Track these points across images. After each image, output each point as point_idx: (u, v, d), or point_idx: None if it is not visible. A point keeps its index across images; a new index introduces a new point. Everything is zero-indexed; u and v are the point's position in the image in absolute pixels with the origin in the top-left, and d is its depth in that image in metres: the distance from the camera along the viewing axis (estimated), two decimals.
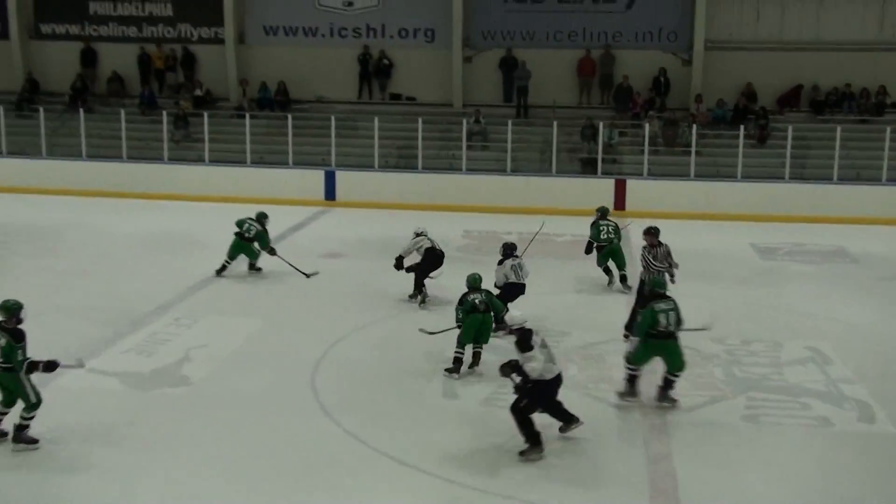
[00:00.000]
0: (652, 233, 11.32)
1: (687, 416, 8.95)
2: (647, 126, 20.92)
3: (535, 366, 7.92)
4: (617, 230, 13.76)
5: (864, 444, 8.42)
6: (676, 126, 21.75)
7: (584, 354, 10.68)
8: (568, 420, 8.33)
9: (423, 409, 9.07)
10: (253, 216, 14.06)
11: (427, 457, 7.95)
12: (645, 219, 16.90)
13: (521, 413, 8.00)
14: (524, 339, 8.03)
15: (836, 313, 12.57)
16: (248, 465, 7.73)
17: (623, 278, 13.58)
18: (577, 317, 12.17)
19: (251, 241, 13.92)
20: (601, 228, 13.74)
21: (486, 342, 10.10)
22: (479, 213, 19.37)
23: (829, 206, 19.40)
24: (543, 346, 8.12)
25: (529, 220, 18.16)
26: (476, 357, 10.06)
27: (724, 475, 7.75)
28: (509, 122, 21.09)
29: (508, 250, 11.80)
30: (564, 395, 9.27)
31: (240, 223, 13.91)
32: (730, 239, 17.51)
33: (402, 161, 21.61)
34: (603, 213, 14.07)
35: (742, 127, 20.62)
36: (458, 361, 9.96)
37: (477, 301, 10.02)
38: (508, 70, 23.54)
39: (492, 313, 10.00)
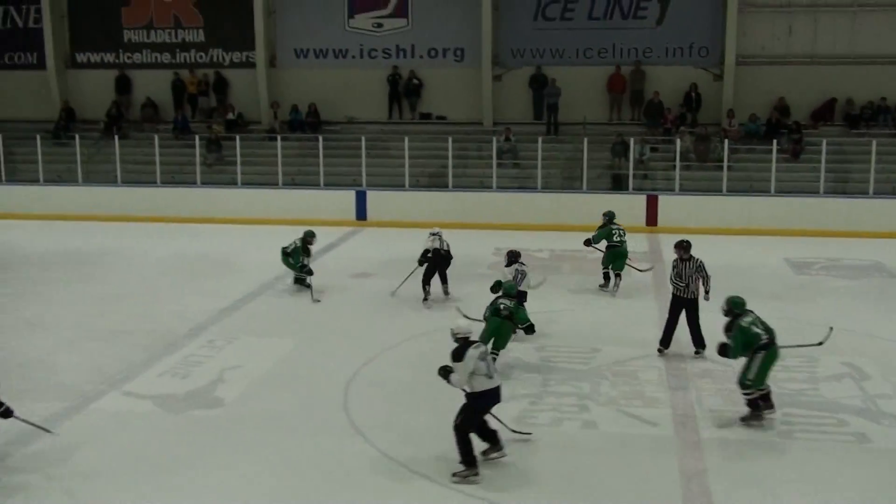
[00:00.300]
0: (682, 246, 11.32)
1: (721, 433, 8.86)
2: (678, 141, 20.84)
3: (455, 377, 7.92)
4: (624, 235, 14.52)
5: None
6: (708, 141, 21.64)
7: (616, 371, 10.61)
8: (492, 444, 8.17)
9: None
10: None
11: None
12: (677, 235, 16.85)
13: (458, 431, 7.94)
14: (459, 349, 7.95)
15: (873, 329, 12.39)
16: (283, 486, 7.76)
17: (617, 276, 14.42)
18: (608, 333, 12.10)
19: (289, 255, 14.44)
20: (613, 231, 14.40)
21: (501, 347, 10.43)
22: (510, 231, 19.36)
23: (864, 220, 19.21)
24: (482, 358, 7.95)
25: (560, 237, 18.26)
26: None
27: (759, 492, 7.65)
28: (539, 140, 21.10)
29: (513, 257, 12.35)
30: (598, 412, 9.28)
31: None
32: (764, 254, 17.35)
33: (432, 180, 21.67)
34: (611, 217, 14.69)
35: (775, 141, 20.46)
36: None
37: (501, 306, 10.46)
38: (538, 88, 23.59)
39: (513, 320, 10.50)
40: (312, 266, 14.53)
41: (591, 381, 10.25)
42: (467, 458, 7.89)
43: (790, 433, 8.86)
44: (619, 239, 14.34)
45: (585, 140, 20.82)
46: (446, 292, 13.93)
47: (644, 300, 13.72)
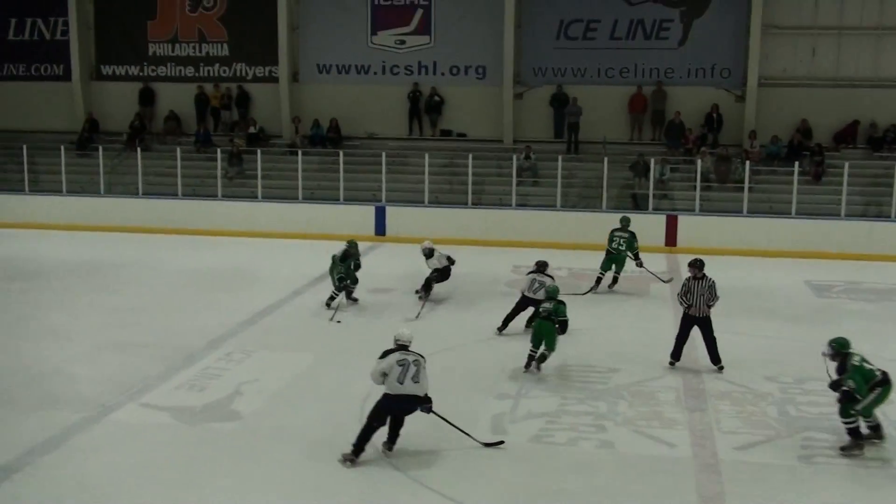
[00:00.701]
0: (695, 265, 11.41)
1: (739, 455, 8.79)
2: (699, 162, 20.78)
3: (371, 372, 8.59)
4: (630, 242, 15.51)
5: None
6: (729, 162, 21.56)
7: (633, 391, 10.55)
8: (389, 442, 8.72)
9: (473, 445, 9.00)
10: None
11: (478, 494, 7.92)
12: (696, 255, 16.78)
13: (367, 419, 8.60)
14: (388, 350, 8.66)
15: (895, 352, 12.26)
16: (298, 500, 7.74)
17: (614, 279, 15.73)
18: (627, 353, 12.03)
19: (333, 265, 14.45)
20: (615, 238, 15.59)
21: (548, 348, 11.10)
22: (529, 249, 19.24)
23: (886, 243, 19.05)
24: (401, 365, 8.46)
25: (580, 255, 18.21)
26: (540, 359, 11.12)
27: None
28: (560, 158, 21.10)
29: (537, 266, 13.11)
30: (615, 432, 9.24)
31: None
32: (784, 276, 17.24)
33: (452, 197, 21.68)
34: (621, 223, 15.87)
35: (797, 163, 20.35)
36: (529, 358, 11.15)
37: (541, 308, 11.45)
38: (559, 106, 23.61)
39: (553, 320, 11.20)
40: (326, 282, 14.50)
41: (608, 401, 10.20)
42: (357, 444, 8.47)
43: (810, 457, 8.78)
44: (615, 246, 15.48)
45: (605, 159, 20.80)
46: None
47: (663, 321, 13.63)
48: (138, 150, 22.87)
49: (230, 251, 19.25)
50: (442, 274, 14.88)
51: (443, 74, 24.37)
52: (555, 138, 23.75)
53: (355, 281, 14.36)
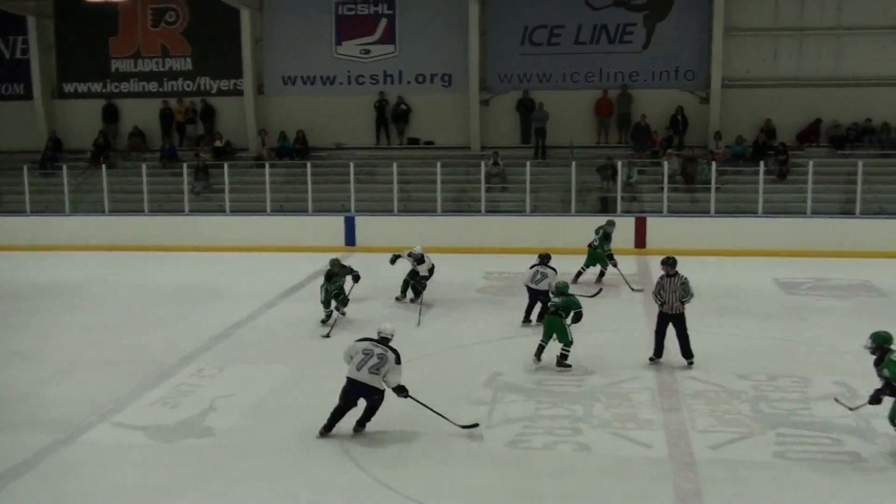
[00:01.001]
0: (668, 263, 11.57)
1: (715, 453, 8.84)
2: (665, 164, 20.95)
3: (343, 351, 9.37)
4: (605, 236, 16.67)
5: None
6: (695, 163, 21.75)
7: (608, 393, 10.59)
8: (358, 423, 9.33)
9: (450, 452, 8.99)
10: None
11: (458, 501, 7.90)
12: (660, 258, 16.87)
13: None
14: (361, 338, 9.48)
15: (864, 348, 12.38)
16: None
17: (600, 274, 16.75)
18: (601, 355, 12.07)
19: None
20: (594, 235, 16.74)
21: (561, 341, 11.47)
22: (500, 255, 19.37)
23: (852, 240, 19.28)
24: (364, 353, 9.18)
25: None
26: (561, 358, 11.47)
27: None
28: (528, 164, 21.18)
29: (540, 258, 13.79)
30: (592, 434, 9.27)
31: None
32: (752, 275, 17.41)
33: (421, 205, 21.67)
34: (608, 223, 17.06)
35: (762, 163, 20.58)
36: (539, 348, 11.58)
37: (549, 304, 11.83)
38: (526, 112, 23.71)
39: (562, 315, 11.50)
40: (300, 293, 14.39)
41: (584, 404, 10.22)
42: (328, 420, 9.21)
43: (784, 453, 8.84)
44: (591, 242, 16.72)
45: (573, 163, 20.90)
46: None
47: (636, 322, 13.71)
48: (103, 167, 22.66)
49: (199, 266, 19.10)
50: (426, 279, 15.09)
51: (408, 83, 24.39)
52: (522, 144, 23.85)
53: (345, 302, 13.84)
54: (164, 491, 8.16)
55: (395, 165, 21.46)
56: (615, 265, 16.48)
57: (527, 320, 13.58)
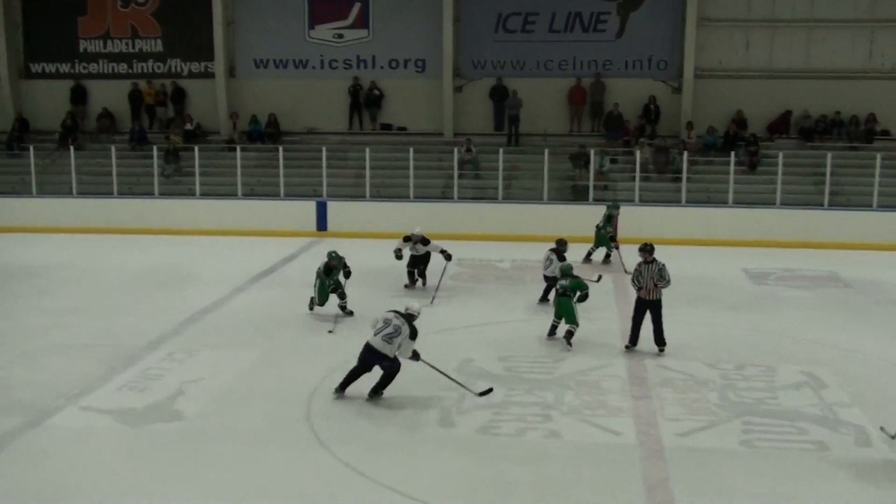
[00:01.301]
0: (646, 249, 11.74)
1: (683, 441, 8.92)
2: (637, 153, 21.04)
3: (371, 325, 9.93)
4: (607, 218, 17.43)
5: (861, 470, 8.37)
6: (667, 153, 21.87)
7: (579, 380, 10.64)
8: (373, 391, 9.84)
9: (421, 438, 9.01)
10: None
11: (428, 487, 7.90)
12: (636, 245, 16.96)
13: None
14: (392, 309, 10.03)
15: (830, 338, 12.57)
16: (244, 501, 7.65)
17: (605, 256, 17.53)
18: (573, 342, 12.11)
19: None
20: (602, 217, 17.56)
21: (569, 322, 11.94)
22: (472, 241, 19.37)
23: (820, 231, 19.49)
24: (384, 322, 9.75)
25: (521, 247, 18.33)
26: (567, 335, 11.87)
27: (722, 500, 7.70)
28: (500, 151, 21.19)
29: (555, 243, 14.02)
30: (562, 421, 9.33)
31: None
32: (722, 264, 17.55)
33: (393, 191, 21.62)
34: (611, 205, 17.93)
35: (733, 154, 20.73)
36: (551, 327, 12.20)
37: (558, 286, 12.27)
38: (499, 99, 23.70)
39: (570, 296, 11.95)
40: (270, 278, 14.27)
41: (554, 391, 10.27)
42: (344, 380, 9.86)
43: (751, 442, 8.94)
44: (597, 223, 17.41)
45: (546, 151, 20.94)
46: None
47: (607, 311, 13.78)
48: (71, 149, 22.38)
49: (169, 250, 18.94)
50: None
51: (382, 68, 24.30)
52: (495, 131, 23.84)
53: (343, 296, 13.40)
54: (131, 475, 8.10)
55: (367, 151, 21.38)
56: (616, 247, 17.08)
57: (543, 300, 14.14)
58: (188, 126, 23.98)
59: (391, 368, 9.77)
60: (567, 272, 12.35)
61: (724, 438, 8.99)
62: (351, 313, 13.29)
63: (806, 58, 22.96)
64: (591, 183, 20.95)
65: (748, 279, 16.44)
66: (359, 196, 21.42)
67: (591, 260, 17.32)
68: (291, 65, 24.54)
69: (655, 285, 11.47)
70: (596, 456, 8.58)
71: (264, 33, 24.45)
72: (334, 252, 13.55)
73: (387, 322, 9.74)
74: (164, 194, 21.94)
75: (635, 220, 19.77)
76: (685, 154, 20.91)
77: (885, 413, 9.63)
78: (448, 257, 15.02)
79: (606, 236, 17.26)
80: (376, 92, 24.10)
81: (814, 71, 22.91)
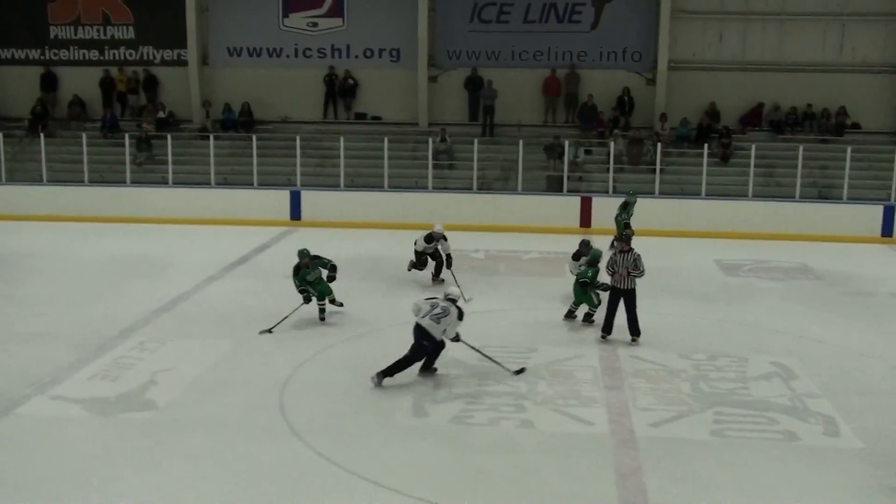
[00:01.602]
0: (622, 240, 11.96)
1: (655, 431, 8.98)
2: (612, 144, 21.10)
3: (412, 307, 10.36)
4: (623, 206, 17.82)
5: (830, 459, 8.48)
6: (641, 144, 21.96)
7: (552, 370, 10.68)
8: (423, 368, 10.30)
9: (394, 427, 9.01)
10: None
11: (401, 477, 7.89)
12: (611, 236, 17.05)
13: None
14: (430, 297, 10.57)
15: (801, 329, 12.69)
16: (217, 491, 7.62)
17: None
18: (544, 333, 12.18)
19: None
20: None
21: (588, 304, 12.51)
22: (446, 231, 19.29)
23: (791, 223, 19.66)
24: (431, 306, 10.16)
25: (496, 237, 18.36)
26: (586, 318, 12.56)
27: (693, 490, 7.77)
28: (475, 141, 21.18)
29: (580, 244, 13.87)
30: (535, 411, 9.35)
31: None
32: (694, 255, 17.66)
33: (368, 180, 21.54)
34: (630, 194, 18.21)
35: (706, 146, 20.85)
36: (568, 311, 12.81)
37: (578, 274, 12.78)
38: (474, 89, 23.67)
39: (586, 286, 12.50)
40: (243, 267, 14.15)
41: (527, 381, 10.29)
42: (393, 367, 10.01)
43: (722, 431, 9.01)
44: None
45: (521, 142, 20.95)
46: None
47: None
48: (41, 136, 22.12)
49: (141, 239, 18.78)
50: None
51: (356, 57, 24.20)
52: (470, 121, 23.83)
53: (324, 292, 12.67)
54: (102, 464, 8.04)
55: (342, 140, 21.29)
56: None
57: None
58: (160, 114, 23.77)
59: (437, 347, 10.22)
60: (593, 259, 12.72)
61: (696, 428, 9.06)
62: (340, 304, 13.10)
63: (778, 51, 23.13)
64: (566, 174, 20.99)
65: (720, 270, 16.55)
66: (333, 185, 21.33)
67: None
68: (265, 53, 24.39)
69: (629, 273, 11.55)
70: (568, 446, 8.62)
71: (238, 21, 24.26)
72: (306, 250, 12.53)
73: (433, 305, 10.18)
74: (137, 182, 21.74)
75: (609, 212, 19.83)
76: (659, 146, 21.00)
77: (853, 403, 9.77)
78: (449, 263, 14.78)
79: (620, 223, 17.44)
80: (351, 81, 24.01)
81: (786, 64, 23.10)
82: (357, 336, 12.06)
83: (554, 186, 21.30)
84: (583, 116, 23.18)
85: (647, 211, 19.93)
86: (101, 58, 24.84)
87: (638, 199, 18.09)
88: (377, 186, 21.24)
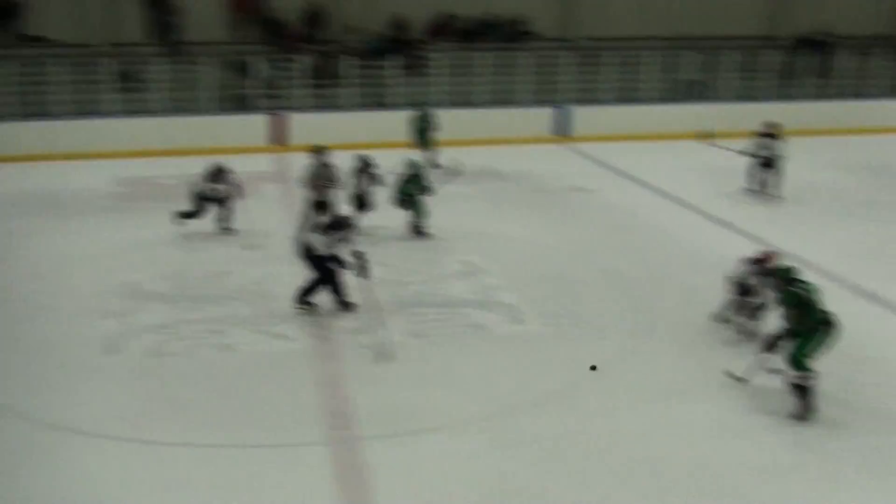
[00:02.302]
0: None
1: (351, 339, 9.19)
2: (302, 60, 20.77)
3: None
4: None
5: (516, 345, 9.12)
6: (331, 58, 21.77)
7: (249, 290, 10.55)
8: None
9: (83, 369, 8.50)
10: None
11: (98, 419, 7.55)
12: (304, 153, 16.80)
13: None
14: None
15: (488, 227, 13.36)
16: None
17: None
18: (238, 254, 11.93)
19: None
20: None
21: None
22: (133, 159, 18.32)
23: (475, 129, 20.50)
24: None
25: (184, 162, 17.55)
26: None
27: (394, 387, 8.15)
28: (159, 62, 20.00)
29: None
30: (233, 334, 9.20)
31: None
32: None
33: (36, 108, 19.64)
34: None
35: (396, 57, 21.07)
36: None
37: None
38: (154, 5, 22.20)
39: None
40: None
41: (224, 305, 10.08)
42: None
43: (422, 332, 9.39)
44: None
45: (207, 60, 20.05)
46: None
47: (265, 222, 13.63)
48: None
49: None
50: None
51: None
52: (152, 40, 22.39)
53: None
54: None
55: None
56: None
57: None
58: None
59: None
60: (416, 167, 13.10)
61: (395, 331, 9.29)
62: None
63: None
64: (255, 92, 20.41)
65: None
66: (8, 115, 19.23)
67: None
68: None
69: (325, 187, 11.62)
70: (271, 363, 8.63)
71: None
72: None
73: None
74: None
75: (304, 128, 19.60)
76: (348, 59, 20.95)
77: (536, 292, 10.48)
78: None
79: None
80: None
81: None
82: (39, 274, 11.19)
83: (243, 105, 20.70)
84: (271, 31, 22.55)
85: (340, 125, 19.89)
86: None
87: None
88: (54, 115, 19.38)
